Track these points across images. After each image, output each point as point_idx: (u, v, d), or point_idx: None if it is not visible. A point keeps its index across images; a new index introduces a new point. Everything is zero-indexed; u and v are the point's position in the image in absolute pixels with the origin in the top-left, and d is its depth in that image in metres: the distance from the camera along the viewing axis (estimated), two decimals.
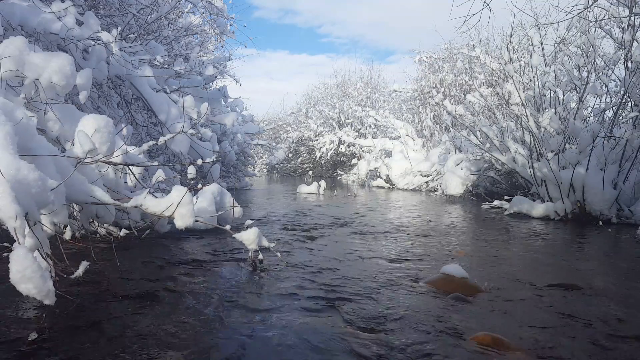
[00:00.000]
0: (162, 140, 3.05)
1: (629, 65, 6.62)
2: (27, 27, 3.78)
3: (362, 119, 23.02)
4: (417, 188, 13.88)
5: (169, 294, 2.42)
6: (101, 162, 2.47)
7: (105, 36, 4.44)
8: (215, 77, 7.89)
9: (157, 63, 5.86)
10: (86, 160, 2.31)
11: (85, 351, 1.69)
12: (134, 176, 3.18)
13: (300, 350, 1.78)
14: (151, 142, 3.15)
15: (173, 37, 7.28)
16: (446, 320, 2.17)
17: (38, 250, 1.82)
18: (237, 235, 2.97)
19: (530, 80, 7.29)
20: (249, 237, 2.96)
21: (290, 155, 26.97)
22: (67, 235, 3.42)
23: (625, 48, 6.61)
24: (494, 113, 8.74)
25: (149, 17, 6.22)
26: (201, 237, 4.12)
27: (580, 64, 6.81)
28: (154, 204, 2.49)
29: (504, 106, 7.86)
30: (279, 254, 3.17)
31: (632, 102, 6.75)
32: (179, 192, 2.41)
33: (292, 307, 2.28)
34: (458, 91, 15.69)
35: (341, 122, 24.31)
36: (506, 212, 7.50)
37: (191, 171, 4.02)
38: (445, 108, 11.69)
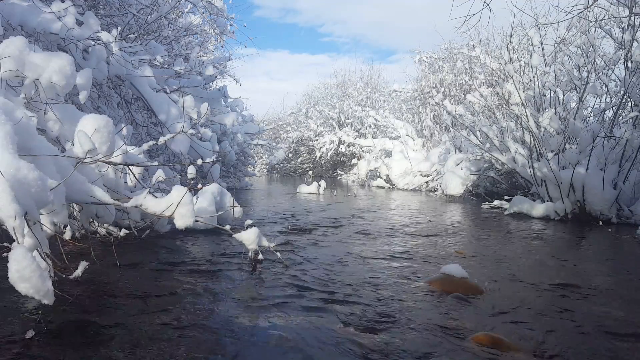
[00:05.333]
0: (162, 140, 3.05)
1: (629, 65, 6.62)
2: (27, 27, 3.78)
3: (362, 119, 23.03)
4: (417, 188, 13.88)
5: (168, 293, 2.41)
6: (101, 162, 2.47)
7: (105, 36, 4.44)
8: (215, 77, 7.89)
9: (157, 63, 5.86)
10: (86, 160, 2.31)
11: (84, 351, 1.68)
12: (134, 176, 3.18)
13: (300, 350, 1.78)
14: (151, 142, 3.15)
15: (173, 37, 7.29)
16: (446, 320, 2.17)
17: (37, 250, 1.82)
18: (237, 235, 2.97)
19: (530, 80, 7.29)
20: (249, 237, 2.96)
21: (290, 155, 26.97)
22: (67, 235, 3.42)
23: (625, 48, 6.61)
24: (494, 113, 8.74)
25: (149, 17, 6.22)
26: (201, 237, 4.12)
27: (580, 64, 6.81)
28: (154, 204, 2.49)
29: (504, 106, 7.86)
30: (278, 253, 3.17)
31: (632, 102, 6.75)
32: (179, 192, 2.41)
33: (292, 306, 2.28)
34: (458, 91, 15.69)
35: (341, 122, 24.31)
36: (506, 212, 7.50)
37: (191, 171, 4.02)
38: (445, 108, 11.69)
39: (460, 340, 1.93)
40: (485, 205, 8.66)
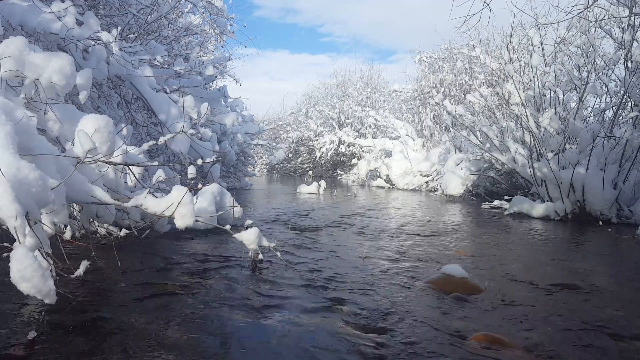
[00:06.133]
0: (162, 140, 3.05)
1: (629, 65, 6.62)
2: (27, 27, 3.78)
3: (362, 119, 23.02)
4: (417, 188, 13.88)
5: (168, 293, 2.42)
6: (101, 162, 2.47)
7: (105, 36, 4.44)
8: (215, 77, 7.89)
9: (157, 63, 5.86)
10: (86, 160, 2.31)
11: (85, 351, 1.69)
12: (134, 176, 3.18)
13: (300, 350, 1.78)
14: (151, 142, 3.15)
15: (173, 37, 7.29)
16: (446, 320, 2.18)
17: (38, 250, 1.82)
18: (237, 235, 2.97)
19: (530, 80, 7.29)
20: (249, 237, 2.96)
21: (290, 155, 26.97)
22: (67, 235, 3.42)
23: (625, 48, 6.61)
24: (494, 113, 8.74)
25: (149, 17, 6.22)
26: (201, 237, 4.12)
27: (580, 64, 6.81)
28: (154, 204, 2.49)
29: (504, 106, 7.86)
30: (278, 253, 3.17)
31: (632, 102, 6.75)
32: (179, 192, 2.41)
33: (292, 306, 2.28)
34: (458, 91, 15.69)
35: (341, 122, 24.31)
36: (506, 212, 7.50)
37: (191, 171, 4.01)
38: (445, 108, 11.70)
39: (460, 340, 1.93)
40: (485, 205, 8.66)
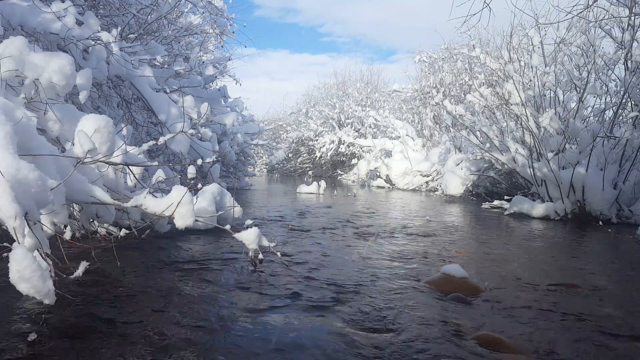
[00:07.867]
0: (162, 140, 3.05)
1: (629, 65, 6.62)
2: (27, 27, 3.77)
3: (362, 119, 23.04)
4: (417, 188, 13.88)
5: (168, 294, 2.42)
6: (101, 162, 2.47)
7: (105, 36, 4.44)
8: (215, 77, 7.88)
9: (157, 63, 5.86)
10: (86, 160, 2.31)
11: (85, 351, 1.68)
12: (134, 176, 3.18)
13: (300, 350, 1.78)
14: (151, 142, 3.15)
15: (173, 37, 7.28)
16: (446, 320, 2.17)
17: (37, 250, 1.82)
18: (237, 235, 2.96)
19: (530, 80, 7.29)
20: (249, 237, 2.95)
21: (290, 155, 26.98)
22: (67, 235, 3.42)
23: (625, 48, 6.61)
24: (494, 113, 8.74)
25: (149, 17, 6.22)
26: (201, 237, 4.12)
27: (580, 64, 6.81)
28: (154, 204, 2.48)
29: (504, 106, 7.86)
30: (279, 253, 3.17)
31: (632, 102, 6.76)
32: (179, 192, 2.41)
33: (292, 306, 2.28)
34: (458, 91, 15.70)
35: (341, 122, 24.32)
36: (506, 212, 7.50)
37: (191, 171, 4.02)
38: (445, 108, 11.70)
39: (460, 340, 1.93)
40: (485, 205, 8.66)
